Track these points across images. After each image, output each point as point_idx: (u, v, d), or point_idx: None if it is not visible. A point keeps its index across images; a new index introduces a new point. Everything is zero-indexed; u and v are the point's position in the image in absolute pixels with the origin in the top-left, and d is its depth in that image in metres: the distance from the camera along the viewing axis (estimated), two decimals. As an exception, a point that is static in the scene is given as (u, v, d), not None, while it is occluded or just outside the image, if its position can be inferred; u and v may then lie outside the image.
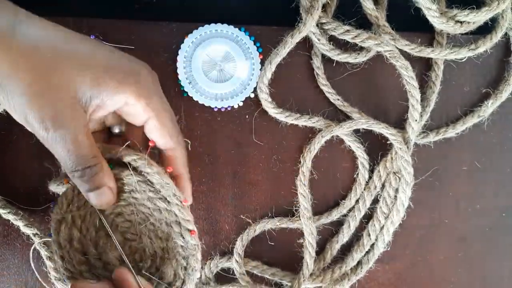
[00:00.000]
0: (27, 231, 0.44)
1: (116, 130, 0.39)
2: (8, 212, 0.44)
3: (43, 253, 0.43)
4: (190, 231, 0.36)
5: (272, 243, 0.49)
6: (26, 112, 0.30)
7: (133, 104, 0.33)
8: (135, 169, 0.36)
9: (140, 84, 0.33)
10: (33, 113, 0.30)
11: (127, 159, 0.35)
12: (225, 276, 0.48)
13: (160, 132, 0.36)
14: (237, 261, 0.47)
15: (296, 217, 0.48)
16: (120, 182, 0.36)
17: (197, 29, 0.46)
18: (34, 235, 0.44)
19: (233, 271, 0.47)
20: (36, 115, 0.30)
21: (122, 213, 0.38)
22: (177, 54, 0.46)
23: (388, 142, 0.48)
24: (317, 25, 0.46)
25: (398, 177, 0.48)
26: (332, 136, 0.48)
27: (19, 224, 0.44)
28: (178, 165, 0.38)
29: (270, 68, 0.45)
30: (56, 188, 0.39)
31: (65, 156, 0.31)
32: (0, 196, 0.45)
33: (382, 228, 0.48)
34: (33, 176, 0.46)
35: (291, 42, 0.45)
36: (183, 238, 0.37)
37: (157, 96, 0.35)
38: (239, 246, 0.47)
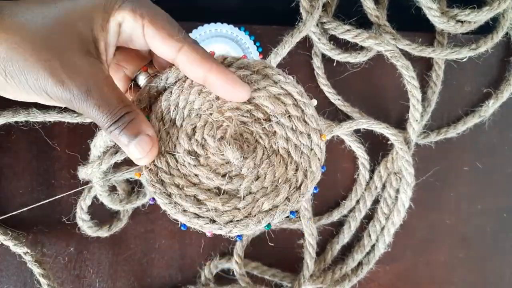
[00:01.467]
0: (18, 250, 0.43)
1: (142, 79, 0.35)
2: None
3: (36, 271, 0.43)
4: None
5: (272, 244, 0.48)
6: (44, 84, 0.29)
7: (122, 18, 0.31)
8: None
9: (123, 0, 0.32)
10: (51, 80, 0.29)
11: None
12: (225, 277, 0.48)
13: (160, 36, 0.32)
14: (237, 262, 0.46)
15: (297, 217, 0.48)
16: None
17: (196, 28, 0.46)
18: (25, 253, 0.43)
19: (233, 272, 0.47)
20: (55, 81, 0.29)
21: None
22: (177, 54, 0.46)
23: (389, 142, 0.48)
24: (317, 25, 0.46)
25: (399, 177, 0.48)
26: (333, 136, 0.48)
27: (9, 244, 0.43)
28: (197, 63, 0.31)
29: (270, 68, 0.45)
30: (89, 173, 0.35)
31: (97, 114, 0.30)
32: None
33: (382, 228, 0.48)
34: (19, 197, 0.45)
35: (291, 41, 0.45)
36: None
37: (144, 4, 0.33)
38: (239, 247, 0.47)
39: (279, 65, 0.46)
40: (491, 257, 0.52)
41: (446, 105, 0.50)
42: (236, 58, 0.33)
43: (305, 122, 0.33)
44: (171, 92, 0.33)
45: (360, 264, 0.49)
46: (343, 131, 0.47)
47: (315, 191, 0.33)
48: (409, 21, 0.47)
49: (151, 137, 0.31)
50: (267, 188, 0.32)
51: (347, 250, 0.49)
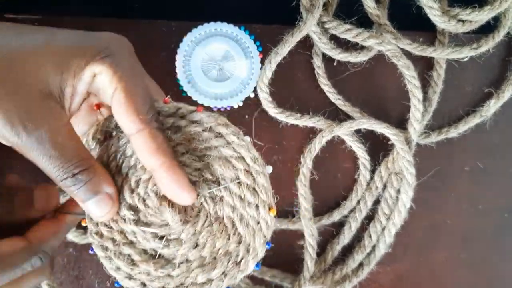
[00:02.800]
0: None
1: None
2: None
3: None
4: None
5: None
6: None
7: (100, 71, 0.29)
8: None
9: (107, 53, 0.29)
10: (1, 123, 0.26)
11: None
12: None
13: (126, 108, 0.29)
14: (237, 263, 0.46)
15: (297, 218, 0.47)
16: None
17: (196, 27, 0.46)
18: None
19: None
20: (3, 121, 0.26)
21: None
22: (176, 53, 0.46)
23: (389, 142, 0.48)
24: (318, 24, 0.46)
25: (400, 177, 0.48)
26: (333, 136, 0.47)
27: None
28: (149, 152, 0.29)
29: (271, 68, 0.45)
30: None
31: (48, 164, 0.27)
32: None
33: (383, 229, 0.48)
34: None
35: (291, 41, 0.44)
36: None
37: (127, 65, 0.30)
38: (239, 247, 0.46)
39: (279, 65, 0.45)
40: (492, 257, 0.52)
41: (447, 104, 0.50)
42: (190, 110, 0.31)
43: (255, 191, 0.30)
44: (118, 137, 0.31)
45: (360, 264, 0.48)
46: (344, 131, 0.47)
47: (256, 268, 0.31)
48: (410, 21, 0.47)
49: (111, 196, 0.29)
50: (205, 258, 0.30)
51: (348, 250, 0.49)
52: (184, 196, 0.29)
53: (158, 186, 0.30)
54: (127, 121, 0.29)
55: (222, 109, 0.47)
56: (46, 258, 0.29)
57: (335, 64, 0.48)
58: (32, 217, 0.30)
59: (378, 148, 0.49)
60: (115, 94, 0.29)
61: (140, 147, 0.29)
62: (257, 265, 0.31)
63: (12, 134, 0.26)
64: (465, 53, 0.48)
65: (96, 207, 0.29)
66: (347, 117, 0.48)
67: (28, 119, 0.26)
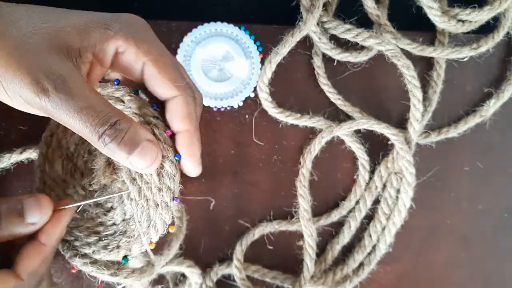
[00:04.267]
0: None
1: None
2: None
3: None
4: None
5: (271, 247, 0.48)
6: (17, 86, 0.25)
7: (123, 49, 0.29)
8: None
9: (128, 29, 0.29)
10: (23, 81, 0.25)
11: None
12: (226, 282, 0.48)
13: (159, 77, 0.30)
14: (237, 267, 0.46)
15: (296, 218, 0.47)
16: None
17: (196, 28, 0.46)
18: None
19: (233, 277, 0.47)
20: (26, 80, 0.25)
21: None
22: (177, 53, 0.46)
23: (389, 142, 0.48)
24: (317, 24, 0.46)
25: (400, 177, 0.48)
26: (333, 137, 0.48)
27: None
28: (180, 117, 0.31)
29: (270, 68, 0.45)
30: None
31: (81, 119, 0.26)
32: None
33: (383, 229, 0.48)
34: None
35: (291, 41, 0.45)
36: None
37: (150, 40, 0.31)
38: (239, 251, 0.46)
39: (279, 65, 0.45)
40: (492, 257, 0.52)
41: (447, 104, 0.50)
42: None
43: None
44: None
45: (361, 264, 0.49)
46: (343, 131, 0.47)
47: (175, 202, 0.33)
48: (410, 21, 0.47)
49: (153, 142, 0.29)
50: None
51: (348, 250, 0.49)
52: (195, 163, 0.32)
53: (177, 148, 0.32)
54: (164, 89, 0.30)
55: (222, 109, 0.47)
56: None
57: (335, 64, 0.48)
58: (21, 233, 0.29)
59: (378, 148, 0.49)
60: (146, 68, 0.30)
61: (174, 111, 0.31)
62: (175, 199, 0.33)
63: (42, 95, 0.25)
64: (465, 53, 0.48)
65: (142, 158, 0.28)
66: (347, 117, 0.48)
67: (55, 78, 0.26)
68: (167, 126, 0.32)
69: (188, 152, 0.31)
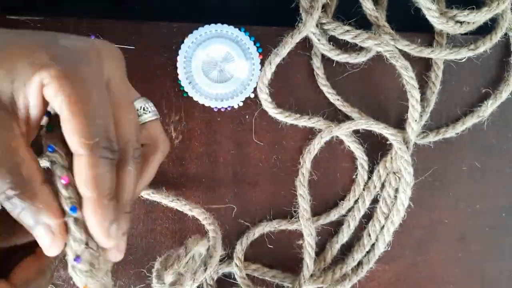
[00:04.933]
0: None
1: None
2: None
3: None
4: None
5: (271, 246, 0.49)
6: None
7: (47, 83, 0.25)
8: None
9: (62, 61, 0.25)
10: None
11: None
12: (226, 281, 0.48)
13: (69, 125, 0.25)
14: (237, 265, 0.47)
15: (295, 218, 0.48)
16: None
17: (197, 29, 0.46)
18: None
19: (234, 275, 0.47)
20: None
21: None
22: (177, 55, 0.46)
23: (388, 142, 0.48)
24: (317, 25, 0.46)
25: (398, 177, 0.48)
26: (332, 137, 0.48)
27: None
28: (81, 180, 0.26)
29: (270, 68, 0.45)
30: None
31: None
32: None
33: (382, 228, 0.49)
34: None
35: (291, 42, 0.45)
36: None
37: (90, 79, 0.26)
38: (239, 250, 0.47)
39: (279, 66, 0.46)
40: (490, 256, 0.52)
41: (445, 105, 0.50)
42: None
43: None
44: None
45: (360, 263, 0.49)
46: (342, 131, 0.47)
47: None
48: (408, 22, 0.47)
49: (50, 228, 0.25)
50: None
51: (347, 249, 0.50)
52: (102, 234, 0.26)
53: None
54: (69, 141, 0.26)
55: (222, 109, 0.47)
56: None
57: (334, 65, 0.48)
58: (14, 244, 0.28)
59: (377, 148, 0.49)
60: (61, 109, 0.25)
61: (76, 171, 0.26)
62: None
63: None
64: (462, 54, 0.48)
65: (39, 238, 0.25)
66: (346, 117, 0.49)
67: None
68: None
69: (89, 220, 0.26)
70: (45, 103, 0.26)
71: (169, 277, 0.37)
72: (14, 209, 0.24)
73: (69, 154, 0.27)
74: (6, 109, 0.25)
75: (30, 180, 0.25)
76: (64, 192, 0.26)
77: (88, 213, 0.26)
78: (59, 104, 0.25)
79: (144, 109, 0.33)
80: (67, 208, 0.26)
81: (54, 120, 0.27)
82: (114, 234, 0.27)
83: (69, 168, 0.27)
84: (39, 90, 0.25)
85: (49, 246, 0.26)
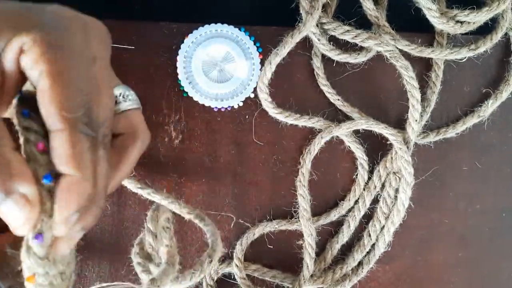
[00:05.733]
0: None
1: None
2: None
3: None
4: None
5: (271, 246, 0.49)
6: None
7: (27, 49, 0.23)
8: None
9: (45, 28, 0.23)
10: None
11: None
12: (226, 281, 0.48)
13: (49, 96, 0.23)
14: (237, 266, 0.47)
15: (295, 218, 0.48)
16: None
17: (197, 29, 0.46)
18: None
19: (234, 275, 0.47)
20: None
21: None
22: (177, 54, 0.46)
23: (388, 142, 0.48)
24: (317, 25, 0.46)
25: (398, 177, 0.48)
26: (332, 137, 0.48)
27: None
28: (60, 157, 0.24)
29: (270, 68, 0.45)
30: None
31: None
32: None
33: (382, 228, 0.49)
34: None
35: (291, 42, 0.45)
36: None
37: (72, 50, 0.24)
38: (239, 250, 0.47)
39: (279, 66, 0.46)
40: (490, 256, 0.52)
41: (445, 105, 0.50)
42: None
43: None
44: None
45: (360, 263, 0.49)
46: (342, 131, 0.47)
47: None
48: (408, 22, 0.47)
49: (27, 198, 0.23)
50: None
51: (347, 250, 0.50)
52: (63, 219, 0.24)
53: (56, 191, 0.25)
54: (47, 114, 0.24)
55: (222, 109, 0.47)
56: None
57: (334, 65, 0.48)
58: None
59: (377, 148, 0.49)
60: (40, 78, 0.23)
61: (54, 148, 0.24)
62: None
63: None
64: (463, 54, 0.48)
65: (8, 213, 0.23)
66: (346, 117, 0.49)
67: None
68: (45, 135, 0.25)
69: (59, 200, 0.24)
70: (21, 74, 0.24)
71: (154, 268, 0.34)
72: None
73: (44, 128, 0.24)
74: None
75: (0, 146, 0.23)
76: (40, 159, 0.24)
77: (62, 192, 0.24)
78: (38, 73, 0.23)
79: (123, 97, 0.32)
80: (40, 175, 0.24)
81: (26, 99, 0.26)
82: (72, 224, 0.24)
83: (44, 137, 0.25)
84: (16, 56, 0.23)
85: (25, 220, 0.23)
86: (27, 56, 0.23)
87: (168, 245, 0.35)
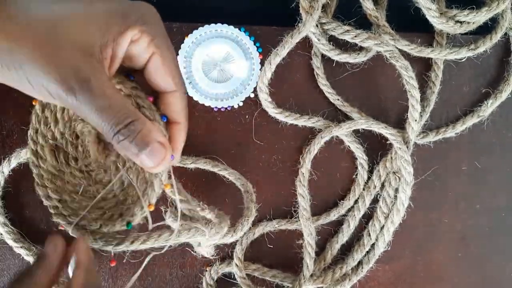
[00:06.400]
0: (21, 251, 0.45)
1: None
2: (20, 247, 0.45)
3: None
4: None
5: (271, 246, 0.49)
6: (44, 80, 0.27)
7: (137, 39, 0.30)
8: None
9: (144, 21, 0.30)
10: (50, 76, 0.27)
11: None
12: (226, 281, 0.48)
13: (162, 70, 0.32)
14: (237, 265, 0.47)
15: (295, 218, 0.48)
16: None
17: (197, 29, 0.46)
18: (27, 254, 0.45)
19: (234, 275, 0.47)
20: (54, 77, 0.27)
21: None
22: (177, 55, 0.46)
23: (388, 142, 0.48)
24: (317, 25, 0.46)
25: (398, 177, 0.48)
26: (332, 136, 0.48)
27: (13, 244, 0.45)
28: (175, 111, 0.33)
29: (270, 68, 0.46)
30: None
31: (100, 117, 0.28)
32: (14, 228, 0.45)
33: (382, 228, 0.49)
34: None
35: (291, 42, 0.45)
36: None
37: (161, 34, 0.32)
38: (239, 250, 0.47)
39: (279, 66, 0.46)
40: (490, 256, 0.52)
41: (445, 105, 0.50)
42: None
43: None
44: None
45: (360, 263, 0.49)
46: (342, 131, 0.47)
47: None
48: (408, 22, 0.47)
49: (163, 144, 0.30)
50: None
51: (347, 249, 0.50)
52: (179, 150, 0.34)
53: (170, 136, 0.34)
54: (165, 83, 0.33)
55: (222, 109, 0.47)
56: None
57: (334, 65, 0.48)
58: None
59: (377, 148, 0.49)
60: (153, 59, 0.32)
61: (172, 105, 0.33)
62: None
63: (66, 91, 0.27)
64: (462, 54, 0.48)
65: (150, 158, 0.30)
66: (345, 117, 0.49)
67: (79, 75, 0.27)
68: (147, 93, 0.34)
69: (179, 136, 0.34)
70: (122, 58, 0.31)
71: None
72: (130, 137, 0.29)
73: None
74: (97, 60, 0.28)
75: (135, 110, 0.30)
76: (153, 106, 0.33)
77: (181, 132, 0.34)
78: (149, 55, 0.31)
79: None
80: (158, 118, 0.33)
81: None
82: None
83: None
84: (127, 45, 0.30)
85: (165, 157, 0.30)
86: (139, 45, 0.31)
87: (183, 199, 0.38)
